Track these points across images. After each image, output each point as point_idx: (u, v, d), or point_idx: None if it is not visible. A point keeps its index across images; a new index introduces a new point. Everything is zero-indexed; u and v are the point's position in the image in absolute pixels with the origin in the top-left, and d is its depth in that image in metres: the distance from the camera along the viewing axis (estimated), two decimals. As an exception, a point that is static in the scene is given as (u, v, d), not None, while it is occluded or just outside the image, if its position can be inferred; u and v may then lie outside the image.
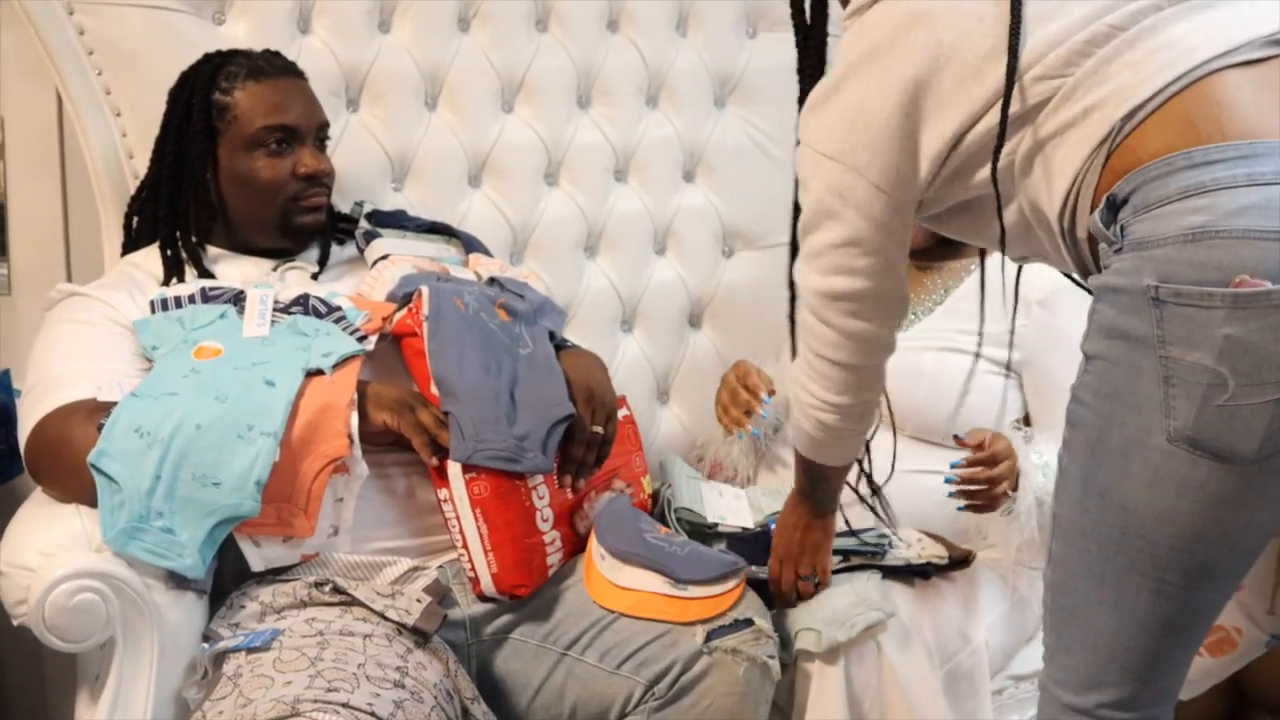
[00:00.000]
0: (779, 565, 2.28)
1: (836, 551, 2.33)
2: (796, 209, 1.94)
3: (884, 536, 2.41)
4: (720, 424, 2.70)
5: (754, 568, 2.24)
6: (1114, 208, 1.64)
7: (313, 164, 2.37)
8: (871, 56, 1.80)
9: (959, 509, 2.38)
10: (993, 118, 1.74)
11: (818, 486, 2.22)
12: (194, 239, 2.38)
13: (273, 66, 2.43)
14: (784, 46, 2.89)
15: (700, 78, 2.98)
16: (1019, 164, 1.76)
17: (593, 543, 2.20)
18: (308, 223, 2.39)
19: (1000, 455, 2.35)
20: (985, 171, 1.78)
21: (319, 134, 2.42)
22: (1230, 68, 1.64)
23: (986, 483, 2.34)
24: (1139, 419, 1.60)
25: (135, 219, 2.48)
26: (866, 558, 2.34)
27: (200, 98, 2.38)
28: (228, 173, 2.37)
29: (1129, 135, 1.65)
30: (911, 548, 2.40)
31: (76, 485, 2.00)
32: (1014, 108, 1.72)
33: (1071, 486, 1.71)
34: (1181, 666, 1.76)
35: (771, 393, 2.62)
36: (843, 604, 2.23)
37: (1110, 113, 1.66)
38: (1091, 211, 1.67)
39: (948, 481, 2.35)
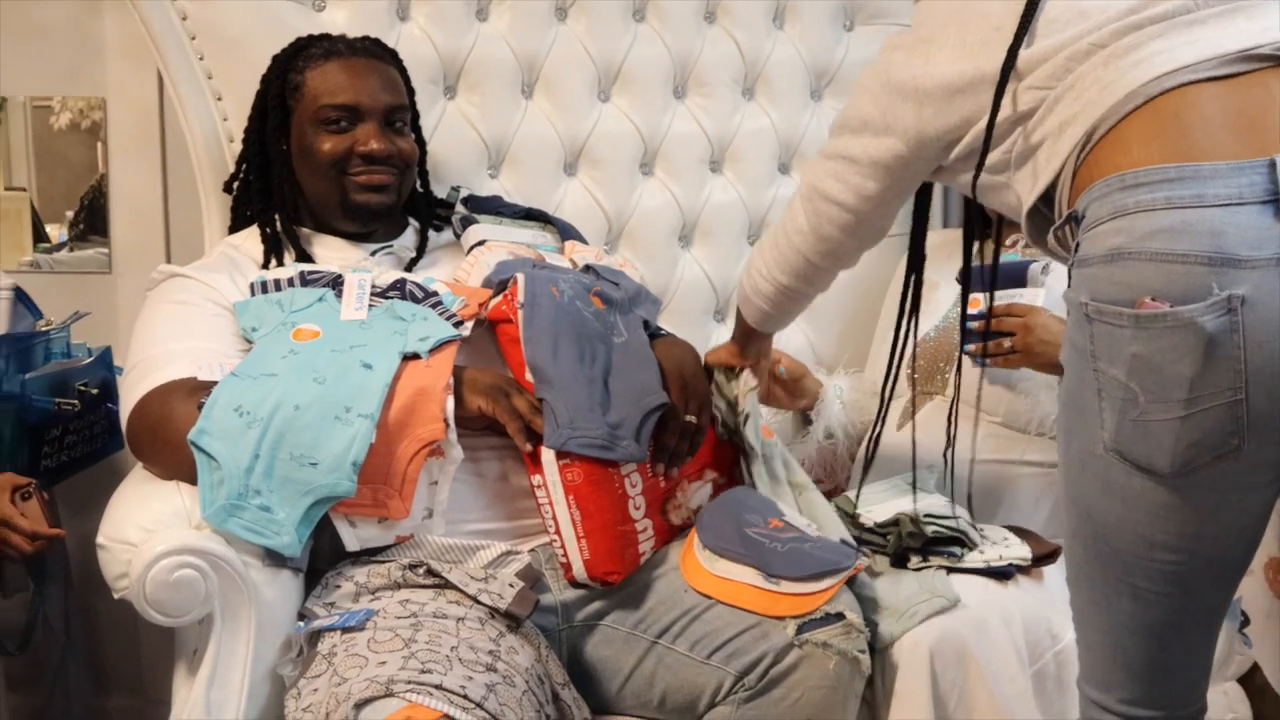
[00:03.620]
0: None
1: (915, 550, 2.33)
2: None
3: (975, 527, 2.39)
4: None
5: (862, 557, 2.22)
6: (1076, 222, 1.70)
7: (373, 143, 2.37)
8: (922, 39, 1.91)
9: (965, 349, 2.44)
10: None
11: (749, 341, 2.41)
12: (287, 220, 2.40)
13: (351, 48, 2.45)
14: (881, 40, 2.93)
15: (797, 70, 2.98)
16: (1014, 161, 1.84)
17: (693, 534, 2.20)
18: (366, 200, 2.38)
19: (1018, 313, 2.44)
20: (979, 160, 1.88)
21: (388, 115, 2.41)
22: (1199, 82, 1.66)
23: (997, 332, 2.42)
24: (1086, 429, 1.68)
25: (234, 200, 2.50)
26: (946, 559, 2.32)
27: (278, 77, 2.42)
28: (297, 151, 2.40)
29: (1090, 151, 1.71)
30: (995, 546, 2.37)
31: (177, 462, 2.03)
32: (1006, 112, 1.81)
33: (1060, 492, 1.79)
34: (1188, 668, 1.80)
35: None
36: (907, 593, 2.23)
37: (1077, 130, 1.73)
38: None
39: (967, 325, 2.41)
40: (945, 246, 2.75)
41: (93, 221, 3.06)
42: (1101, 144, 1.69)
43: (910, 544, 2.33)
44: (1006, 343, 2.45)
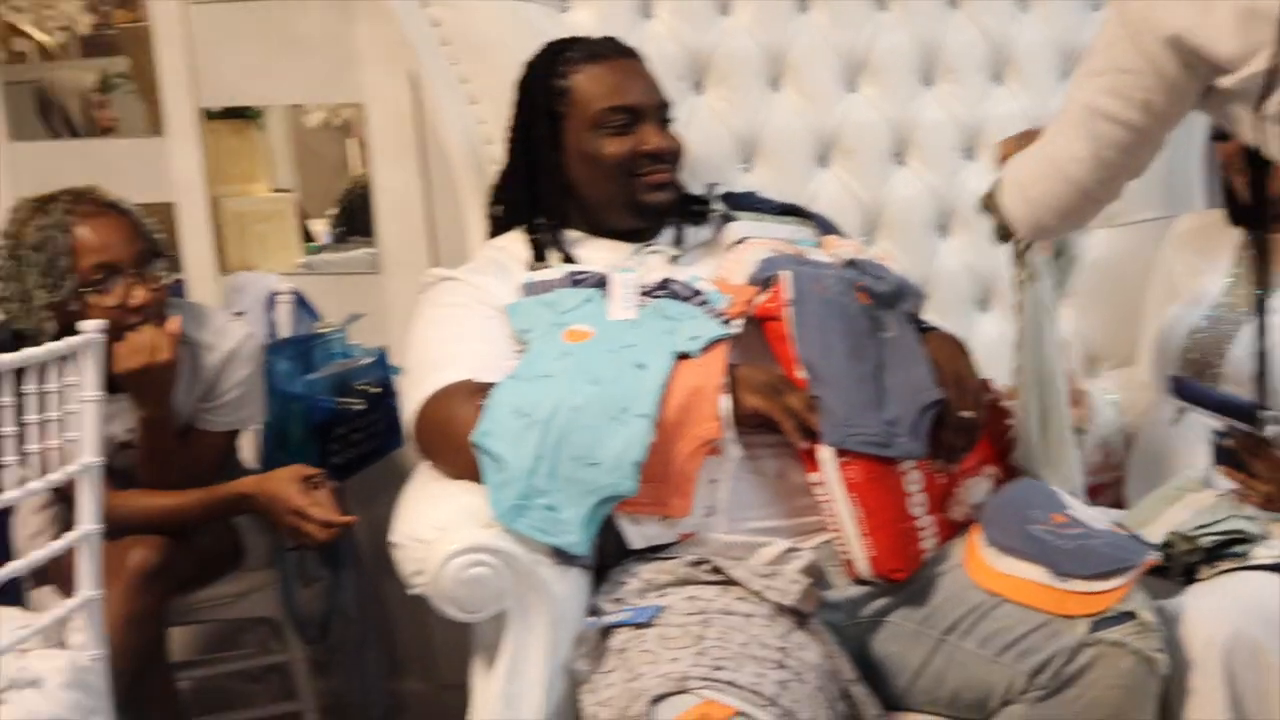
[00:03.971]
0: None
1: (1201, 563, 2.26)
2: None
3: (1252, 519, 2.32)
4: None
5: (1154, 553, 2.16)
6: None
7: (657, 141, 2.40)
8: None
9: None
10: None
11: None
12: (554, 222, 2.43)
13: (608, 49, 2.47)
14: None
15: (1045, 52, 2.93)
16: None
17: (976, 531, 2.18)
18: (656, 200, 2.42)
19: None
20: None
21: (661, 112, 2.45)
22: None
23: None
24: None
25: (497, 205, 2.54)
26: (1233, 560, 2.25)
27: (541, 84, 2.45)
28: (575, 155, 2.42)
29: None
30: None
31: (462, 462, 2.08)
32: None
33: None
34: None
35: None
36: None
37: None
38: None
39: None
40: (1206, 230, 2.69)
41: (353, 221, 3.14)
42: None
43: (1193, 559, 2.25)
44: (1260, 488, 2.33)
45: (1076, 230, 2.17)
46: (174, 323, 2.53)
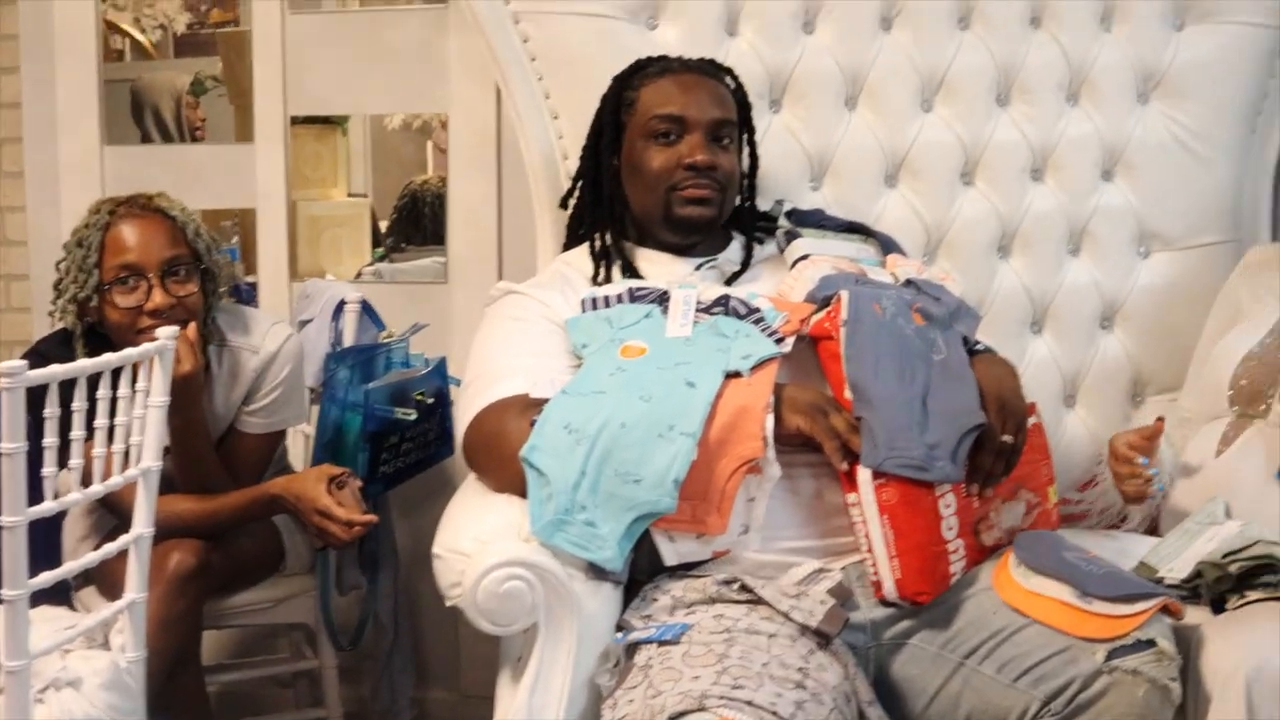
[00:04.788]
0: None
1: (1230, 591, 2.27)
2: None
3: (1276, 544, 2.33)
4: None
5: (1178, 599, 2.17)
6: None
7: (699, 154, 2.44)
8: None
9: None
10: None
11: None
12: (616, 236, 2.50)
13: (685, 65, 2.53)
14: (1214, 39, 2.90)
15: (1124, 73, 2.93)
16: None
17: (1009, 553, 2.21)
18: (689, 214, 2.46)
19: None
20: None
21: (715, 129, 2.48)
22: None
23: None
24: None
25: (570, 219, 2.62)
26: (1263, 590, 2.24)
27: (615, 95, 2.53)
28: (627, 165, 2.49)
29: None
30: None
31: (509, 476, 2.15)
32: None
33: None
34: None
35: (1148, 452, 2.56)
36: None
37: None
38: None
39: None
40: (1277, 261, 2.67)
41: (413, 226, 3.19)
42: None
43: (1222, 588, 2.27)
44: None
45: None
46: (190, 331, 2.56)
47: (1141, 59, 2.94)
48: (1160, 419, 2.54)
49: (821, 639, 2.04)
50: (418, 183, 3.24)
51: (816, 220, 2.64)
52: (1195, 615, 2.22)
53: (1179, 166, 2.92)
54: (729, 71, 2.60)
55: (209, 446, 2.69)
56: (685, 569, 2.17)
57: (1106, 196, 2.95)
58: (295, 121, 3.35)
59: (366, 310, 2.88)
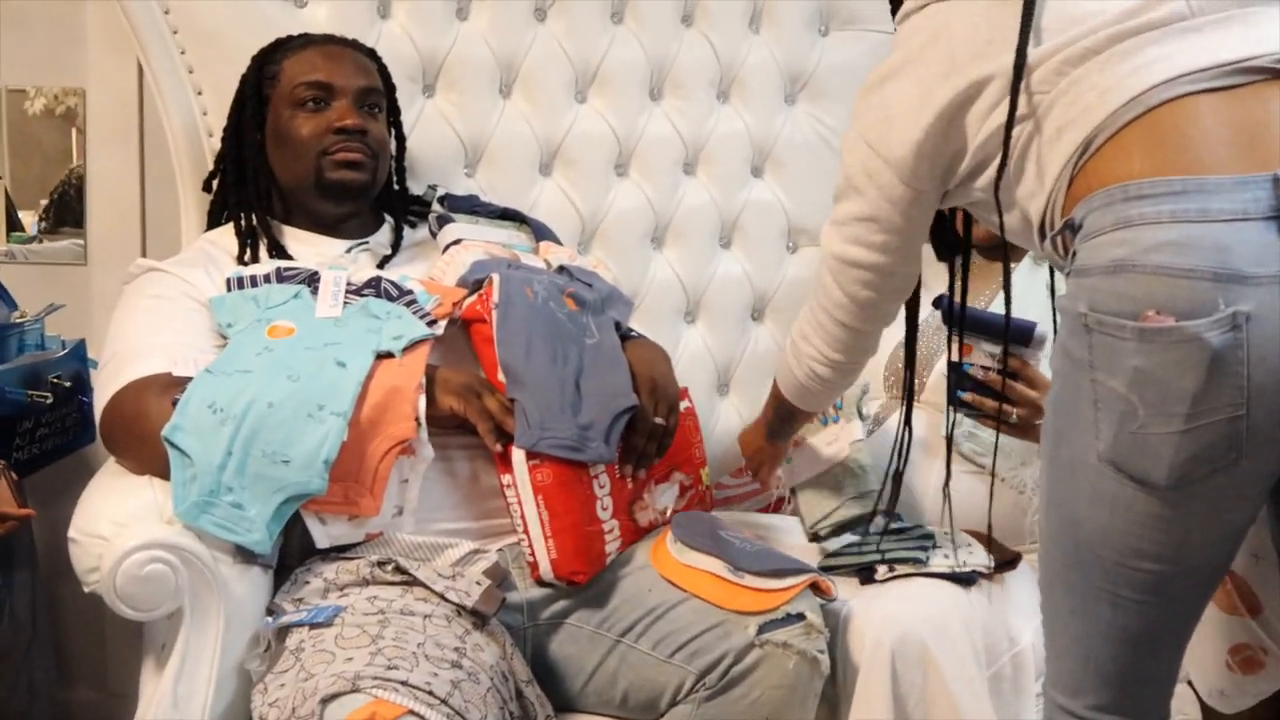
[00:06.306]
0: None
1: (883, 561, 2.37)
2: None
3: (928, 537, 2.43)
4: None
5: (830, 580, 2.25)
6: (1072, 230, 1.70)
7: (348, 118, 2.39)
8: (906, 65, 1.91)
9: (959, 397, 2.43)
10: (995, 121, 1.82)
11: (785, 424, 2.44)
12: (262, 215, 2.43)
13: (328, 38, 2.49)
14: (856, 45, 2.99)
15: (771, 73, 2.99)
16: (1012, 170, 1.82)
17: (666, 530, 2.25)
18: (342, 179, 2.40)
19: (1033, 381, 2.40)
20: (988, 176, 1.86)
21: (362, 98, 2.44)
22: (1198, 93, 1.67)
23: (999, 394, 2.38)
24: (1080, 437, 1.68)
25: (211, 197, 2.53)
26: (911, 565, 2.36)
27: (256, 70, 2.46)
28: (273, 135, 2.43)
29: (1089, 160, 1.71)
30: (959, 551, 2.41)
31: (150, 457, 2.05)
32: (1000, 119, 1.80)
33: (1042, 496, 1.80)
34: (1159, 677, 1.81)
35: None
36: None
37: (1074, 135, 1.72)
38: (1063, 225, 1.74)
39: (965, 370, 2.41)
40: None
41: (63, 213, 3.06)
42: (1101, 152, 1.69)
43: (875, 559, 2.38)
44: (1013, 415, 2.42)
45: (867, 358, 2.24)
46: None
47: (789, 61, 3.00)
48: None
49: (478, 619, 2.03)
50: (74, 168, 3.08)
51: (470, 206, 2.62)
52: (845, 588, 2.29)
53: (824, 165, 2.98)
54: (372, 52, 2.55)
55: None
56: (338, 551, 2.12)
57: (756, 192, 3.00)
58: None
59: (-3, 290, 2.73)
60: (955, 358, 2.40)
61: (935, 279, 2.67)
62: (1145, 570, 1.68)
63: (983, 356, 2.40)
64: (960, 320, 2.35)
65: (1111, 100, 1.69)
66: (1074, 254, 1.68)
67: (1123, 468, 1.64)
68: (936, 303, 2.49)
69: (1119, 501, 1.66)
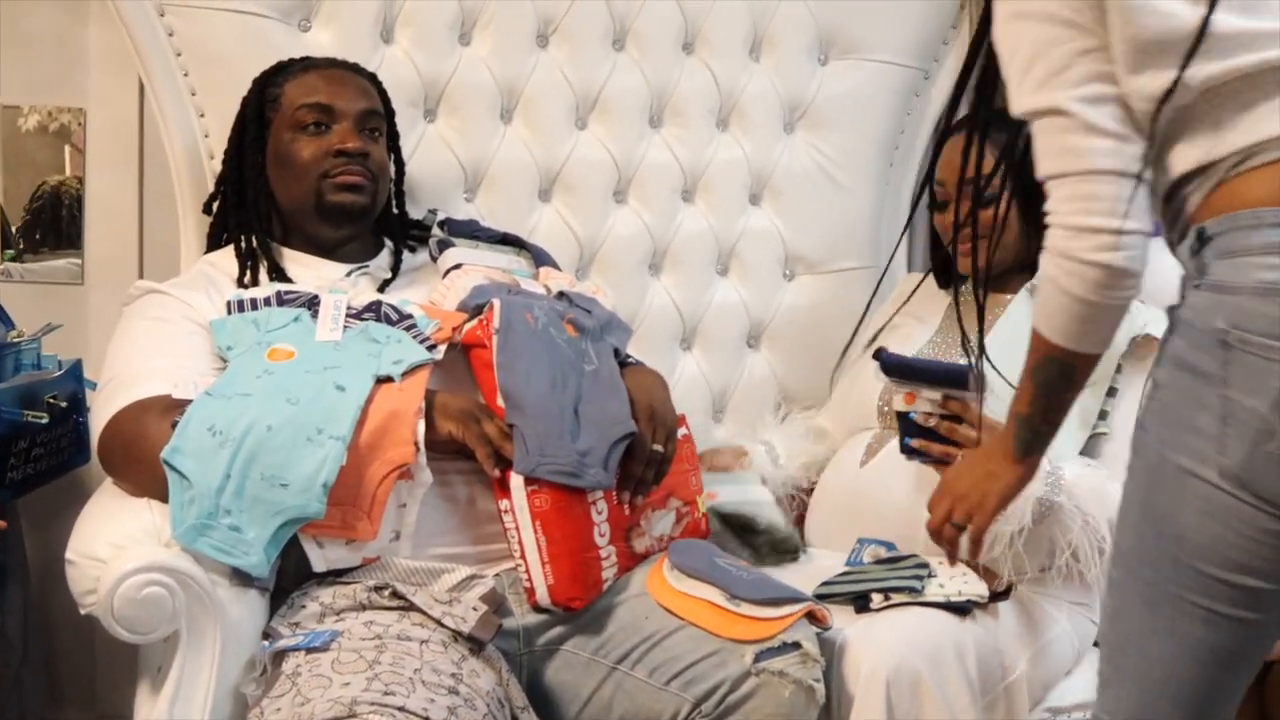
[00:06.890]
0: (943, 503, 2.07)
1: (878, 590, 2.37)
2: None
3: (923, 567, 2.43)
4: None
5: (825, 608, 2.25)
6: (1202, 241, 1.67)
7: (349, 141, 2.40)
8: None
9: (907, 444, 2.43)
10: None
11: (1052, 407, 1.86)
12: (263, 238, 2.43)
13: (330, 62, 2.50)
14: (855, 74, 3.01)
15: (771, 102, 3.01)
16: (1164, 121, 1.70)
17: (663, 558, 2.25)
18: (342, 201, 2.40)
19: (973, 423, 2.36)
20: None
21: (363, 121, 2.45)
22: None
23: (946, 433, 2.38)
24: (1193, 449, 1.65)
25: (212, 221, 2.54)
26: (907, 594, 2.36)
27: (258, 93, 2.47)
28: (274, 159, 2.43)
29: (1237, 175, 1.67)
30: (954, 580, 2.41)
31: (148, 480, 2.06)
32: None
33: (1132, 512, 1.75)
34: (1232, 700, 1.78)
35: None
36: None
37: (1235, 139, 1.67)
38: (1186, 225, 1.70)
39: (910, 418, 2.41)
40: (925, 287, 2.77)
41: (51, 228, 3.03)
42: (1255, 173, 1.65)
43: (871, 587, 2.38)
44: (958, 456, 2.31)
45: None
46: None
47: (788, 90, 3.02)
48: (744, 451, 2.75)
49: (474, 645, 2.03)
50: (53, 182, 3.07)
51: (470, 230, 2.63)
52: (840, 616, 2.29)
53: (822, 194, 3.01)
54: (373, 76, 2.56)
55: None
56: (335, 576, 2.12)
57: (754, 220, 3.02)
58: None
59: (-7, 309, 2.71)
60: (901, 407, 2.42)
61: (933, 313, 2.69)
62: (1247, 586, 1.66)
63: (925, 403, 2.41)
64: (899, 370, 2.38)
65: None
66: (1205, 266, 1.65)
67: (1249, 485, 1.61)
68: (876, 354, 2.51)
69: (1233, 514, 1.63)
